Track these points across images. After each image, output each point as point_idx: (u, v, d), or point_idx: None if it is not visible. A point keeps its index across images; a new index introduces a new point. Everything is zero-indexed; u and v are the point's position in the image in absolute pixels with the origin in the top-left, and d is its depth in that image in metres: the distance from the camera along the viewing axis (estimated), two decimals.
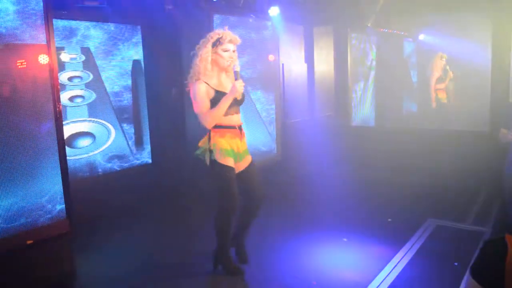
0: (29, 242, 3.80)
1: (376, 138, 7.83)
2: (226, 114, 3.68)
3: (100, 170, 5.72)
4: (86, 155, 5.63)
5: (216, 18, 5.85)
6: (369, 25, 8.45)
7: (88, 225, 4.88)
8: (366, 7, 8.08)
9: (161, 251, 4.63)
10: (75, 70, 5.49)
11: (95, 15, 5.44)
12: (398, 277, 3.86)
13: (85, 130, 5.62)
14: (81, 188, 5.20)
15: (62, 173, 4.01)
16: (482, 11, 7.67)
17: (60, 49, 5.25)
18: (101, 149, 5.79)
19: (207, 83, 3.65)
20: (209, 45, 3.64)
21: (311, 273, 3.99)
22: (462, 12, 8.13)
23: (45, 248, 3.92)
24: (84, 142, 5.60)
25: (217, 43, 3.65)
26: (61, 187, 4.01)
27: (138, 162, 6.18)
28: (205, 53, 3.63)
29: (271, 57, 6.85)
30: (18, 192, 3.72)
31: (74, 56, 5.44)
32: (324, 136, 8.01)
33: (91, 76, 5.62)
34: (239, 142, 3.79)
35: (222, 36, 3.66)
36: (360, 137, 8.09)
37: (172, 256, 4.49)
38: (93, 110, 5.68)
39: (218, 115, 3.63)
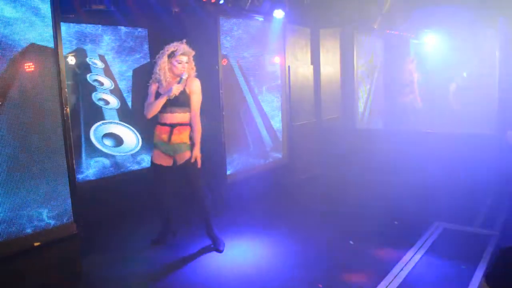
0: (36, 244, 3.82)
1: (382, 140, 7.80)
2: (160, 112, 4.34)
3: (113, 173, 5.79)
4: (117, 154, 5.92)
5: (223, 20, 5.86)
6: (375, 26, 8.42)
7: (95, 226, 4.91)
8: (372, 8, 8.05)
9: (167, 251, 4.65)
10: (97, 75, 5.67)
11: (102, 19, 5.47)
12: (404, 280, 3.85)
13: (115, 132, 5.90)
14: (88, 189, 5.24)
15: (69, 175, 4.03)
16: (489, 11, 7.63)
17: (81, 51, 5.40)
18: (130, 153, 6.05)
19: (158, 86, 4.38)
20: (165, 57, 4.32)
21: (318, 275, 3.99)
22: (469, 11, 8.08)
23: (52, 250, 3.94)
24: (110, 143, 5.86)
25: (172, 55, 4.32)
26: (68, 189, 4.04)
27: (147, 165, 6.21)
28: (162, 63, 4.32)
29: (277, 59, 6.85)
30: (25, 194, 3.75)
31: (95, 61, 5.61)
32: (331, 139, 8.01)
33: (113, 85, 5.81)
34: (167, 137, 4.35)
35: (176, 49, 4.32)
36: (367, 139, 8.07)
37: (179, 255, 4.52)
38: (121, 115, 5.92)
39: (152, 108, 4.30)
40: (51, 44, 3.84)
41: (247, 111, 6.42)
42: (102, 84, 5.71)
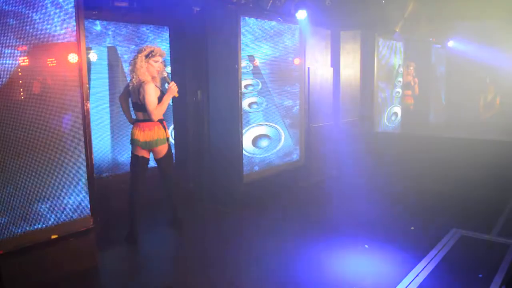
0: (53, 236, 3.88)
1: (401, 145, 7.73)
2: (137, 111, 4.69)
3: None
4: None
5: (243, 20, 5.87)
6: (397, 30, 8.35)
7: (113, 220, 4.97)
8: (394, 11, 7.99)
9: (181, 246, 4.68)
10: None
11: (125, 16, 5.52)
12: (420, 287, 3.81)
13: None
14: (105, 184, 5.31)
15: (87, 170, 4.08)
16: None
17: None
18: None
19: (155, 85, 4.59)
20: (143, 57, 4.51)
21: (330, 278, 3.97)
22: (494, 18, 7.96)
23: (69, 243, 4.00)
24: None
25: (149, 55, 4.52)
26: (86, 184, 4.09)
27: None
28: (140, 62, 4.49)
29: (297, 61, 6.84)
30: (44, 187, 3.80)
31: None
32: (348, 142, 7.97)
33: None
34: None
35: (153, 50, 4.55)
36: (385, 143, 8.00)
37: (190, 252, 4.54)
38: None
39: (164, 110, 4.64)
40: (73, 40, 3.89)
41: (265, 111, 6.41)
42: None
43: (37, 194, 3.75)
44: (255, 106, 6.26)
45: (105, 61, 5.49)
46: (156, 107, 4.49)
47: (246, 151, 6.15)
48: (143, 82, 4.47)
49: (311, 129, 7.23)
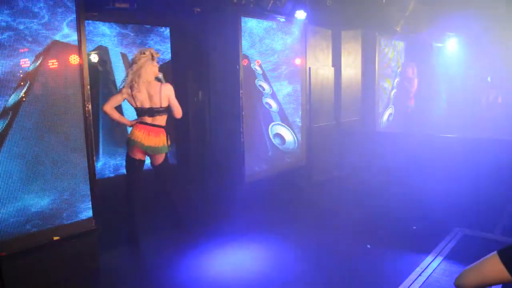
0: (55, 238, 3.88)
1: (402, 144, 7.71)
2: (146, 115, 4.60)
3: None
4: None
5: (244, 21, 5.87)
6: (398, 29, 8.33)
7: (113, 222, 4.97)
8: (395, 11, 7.97)
9: (182, 248, 4.69)
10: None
11: (125, 17, 5.52)
12: (422, 286, 3.80)
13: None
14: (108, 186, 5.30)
15: (89, 172, 4.08)
16: None
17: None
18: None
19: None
20: (151, 59, 4.44)
21: (333, 279, 3.96)
22: (496, 17, 7.92)
23: (71, 245, 4.00)
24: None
25: (153, 57, 4.47)
26: (88, 186, 4.09)
27: None
28: (145, 64, 4.41)
29: (298, 61, 6.83)
30: (45, 189, 3.80)
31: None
32: (350, 141, 7.96)
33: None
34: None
35: (153, 52, 4.49)
36: (387, 143, 7.98)
37: (192, 253, 4.55)
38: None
39: None
40: (74, 42, 3.90)
41: (266, 112, 6.41)
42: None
43: (38, 196, 3.75)
44: (267, 106, 6.42)
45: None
46: None
47: (278, 145, 6.65)
48: (163, 84, 4.48)
49: (312, 129, 7.22)
